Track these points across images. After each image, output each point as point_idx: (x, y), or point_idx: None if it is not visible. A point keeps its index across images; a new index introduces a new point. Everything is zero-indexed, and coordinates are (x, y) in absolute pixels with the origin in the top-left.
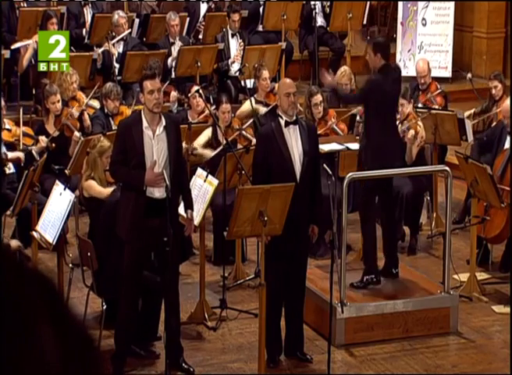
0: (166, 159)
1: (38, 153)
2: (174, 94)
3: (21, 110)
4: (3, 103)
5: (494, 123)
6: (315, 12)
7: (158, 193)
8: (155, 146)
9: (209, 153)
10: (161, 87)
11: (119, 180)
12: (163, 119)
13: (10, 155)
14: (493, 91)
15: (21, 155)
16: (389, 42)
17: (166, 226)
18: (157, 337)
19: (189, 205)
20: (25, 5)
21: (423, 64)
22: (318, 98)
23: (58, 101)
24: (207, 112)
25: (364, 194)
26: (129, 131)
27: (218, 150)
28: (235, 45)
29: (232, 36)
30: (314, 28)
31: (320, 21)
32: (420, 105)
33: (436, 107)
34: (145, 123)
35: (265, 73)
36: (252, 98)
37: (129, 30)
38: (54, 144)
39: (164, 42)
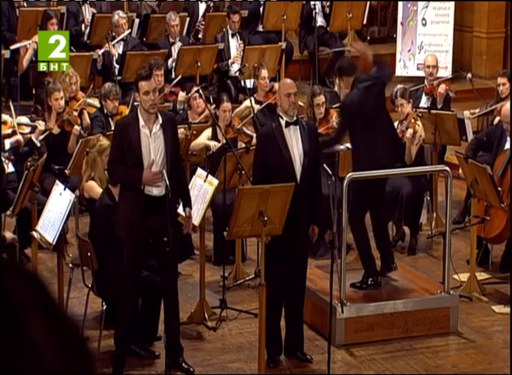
0: (163, 157)
1: (38, 139)
2: (183, 94)
3: (12, 107)
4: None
5: (496, 121)
6: (315, 12)
7: (156, 191)
8: (152, 144)
9: (207, 143)
10: (157, 88)
11: (116, 180)
12: (160, 117)
13: (8, 142)
14: (500, 88)
15: (19, 137)
16: (350, 60)
17: (166, 226)
18: (157, 337)
19: (187, 203)
20: (25, 4)
21: (432, 58)
22: (321, 98)
23: (62, 99)
24: (207, 112)
25: (355, 195)
26: (127, 130)
27: (219, 146)
28: (235, 45)
29: (232, 36)
30: (314, 28)
31: (320, 21)
32: (420, 105)
33: (443, 89)
34: (142, 122)
35: (264, 72)
36: (252, 98)
37: (129, 30)
38: (52, 127)
39: (164, 42)
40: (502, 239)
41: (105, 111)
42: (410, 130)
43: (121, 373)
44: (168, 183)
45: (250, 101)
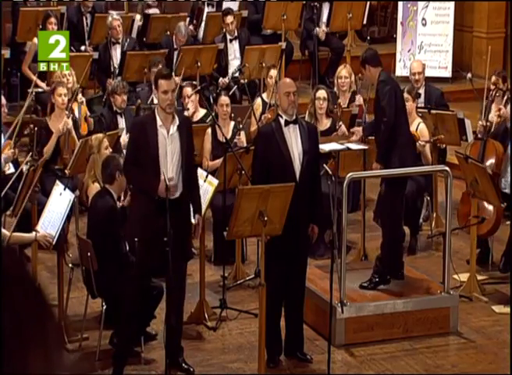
0: (179, 158)
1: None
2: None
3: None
4: (4, 101)
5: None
6: (315, 13)
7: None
8: (169, 145)
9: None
10: (175, 89)
11: (131, 182)
12: (176, 117)
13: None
14: (492, 87)
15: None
16: (375, 52)
17: (167, 227)
18: (153, 336)
19: (197, 209)
20: (28, 4)
21: (417, 64)
22: (323, 93)
23: (65, 95)
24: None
25: (387, 193)
26: (144, 129)
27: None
28: (234, 49)
29: (231, 41)
30: (314, 28)
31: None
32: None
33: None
34: (159, 122)
35: (273, 72)
36: (262, 96)
37: (122, 36)
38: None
39: (166, 42)
40: (492, 232)
41: (114, 108)
42: (427, 148)
43: (121, 373)
44: (180, 186)
45: (262, 97)
